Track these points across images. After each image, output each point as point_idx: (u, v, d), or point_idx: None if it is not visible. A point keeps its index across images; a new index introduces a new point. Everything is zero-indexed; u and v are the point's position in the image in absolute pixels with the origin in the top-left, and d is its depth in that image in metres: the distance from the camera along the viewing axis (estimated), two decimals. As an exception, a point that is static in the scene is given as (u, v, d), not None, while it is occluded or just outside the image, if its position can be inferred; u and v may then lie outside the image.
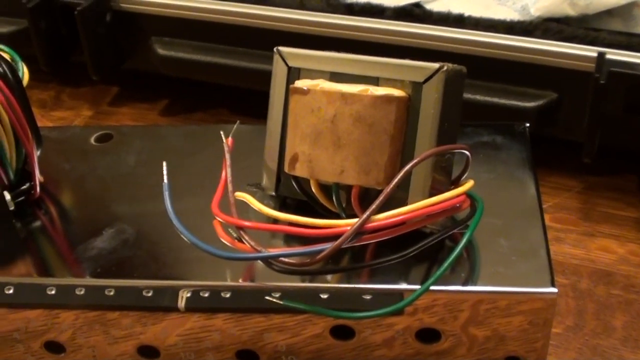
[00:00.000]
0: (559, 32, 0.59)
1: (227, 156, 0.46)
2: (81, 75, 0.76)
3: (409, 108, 0.44)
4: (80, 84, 0.79)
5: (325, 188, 0.46)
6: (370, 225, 0.41)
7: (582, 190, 0.63)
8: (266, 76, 0.65)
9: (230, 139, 0.47)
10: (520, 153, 0.53)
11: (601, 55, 0.57)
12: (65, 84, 0.79)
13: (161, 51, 0.70)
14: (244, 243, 0.43)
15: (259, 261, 0.45)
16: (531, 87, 0.60)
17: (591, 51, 0.58)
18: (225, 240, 0.44)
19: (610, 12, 0.65)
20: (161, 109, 0.75)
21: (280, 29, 0.65)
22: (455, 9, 0.64)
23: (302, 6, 0.65)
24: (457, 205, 0.44)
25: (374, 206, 0.41)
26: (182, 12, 0.68)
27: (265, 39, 0.65)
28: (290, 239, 0.47)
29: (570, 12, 0.66)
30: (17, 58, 0.52)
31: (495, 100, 0.61)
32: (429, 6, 0.66)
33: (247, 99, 0.69)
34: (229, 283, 0.45)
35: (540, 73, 0.59)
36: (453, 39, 0.60)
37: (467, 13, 0.62)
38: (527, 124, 0.55)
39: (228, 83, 0.70)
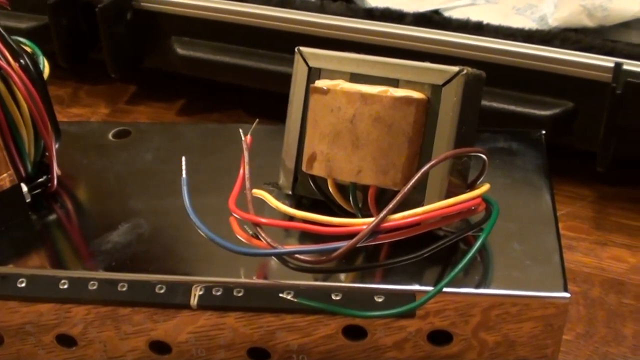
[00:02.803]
0: (577, 42, 0.60)
1: (246, 154, 0.46)
2: (99, 73, 0.77)
3: (427, 110, 0.44)
4: (97, 81, 0.80)
5: (341, 188, 0.47)
6: (386, 224, 0.42)
7: (596, 199, 0.63)
8: (285, 78, 0.65)
9: (249, 137, 0.47)
10: (536, 160, 0.53)
11: (618, 65, 0.57)
12: (82, 81, 0.80)
13: (181, 51, 0.70)
14: (259, 240, 0.44)
15: (273, 259, 0.45)
16: (548, 96, 0.61)
17: (608, 61, 0.58)
18: (241, 236, 0.45)
19: (627, 25, 0.65)
20: (178, 109, 0.76)
21: (299, 31, 0.65)
22: (474, 17, 0.64)
23: (322, 9, 0.65)
24: (473, 207, 0.44)
25: (390, 205, 0.41)
26: (203, 12, 0.68)
27: (285, 41, 0.66)
28: (305, 237, 0.47)
29: (588, 23, 0.67)
30: (39, 52, 0.52)
31: (512, 107, 0.61)
32: (448, 13, 0.66)
33: (263, 101, 0.69)
34: (242, 280, 0.45)
35: (557, 82, 0.60)
36: (472, 45, 0.61)
37: (486, 21, 0.63)
38: (543, 132, 0.55)
39: (246, 84, 0.70)
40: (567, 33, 0.62)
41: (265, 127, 0.52)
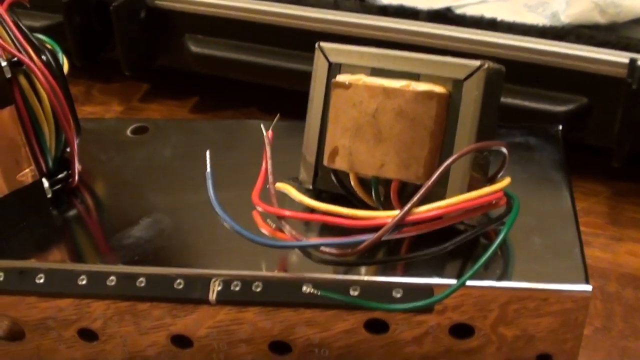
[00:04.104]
0: (591, 38, 0.60)
1: (268, 148, 0.46)
2: (112, 71, 0.77)
3: (449, 104, 0.45)
4: (110, 79, 0.80)
5: (363, 182, 0.47)
6: (410, 217, 0.42)
7: (610, 195, 0.63)
8: (299, 75, 0.66)
9: (270, 132, 0.47)
10: (554, 154, 0.53)
11: (633, 61, 0.57)
12: (95, 79, 0.80)
13: (194, 49, 0.71)
14: (283, 232, 0.44)
15: (294, 253, 0.46)
16: (562, 92, 0.61)
17: (623, 57, 0.58)
18: (264, 229, 0.45)
19: (639, 21, 0.66)
20: (191, 106, 0.76)
21: (313, 29, 0.66)
22: (487, 14, 0.64)
23: (336, 6, 0.65)
24: (494, 201, 0.44)
25: (415, 199, 0.42)
26: (216, 10, 0.69)
27: (298, 38, 0.66)
28: (325, 231, 0.47)
29: (600, 19, 0.67)
30: (58, 49, 0.52)
31: (526, 103, 0.61)
32: (460, 10, 0.66)
33: (276, 98, 0.69)
34: (261, 273, 0.46)
35: (572, 78, 0.60)
36: (486, 42, 0.61)
37: (499, 17, 0.63)
38: (560, 126, 0.55)
39: (260, 82, 0.70)
40: (581, 29, 0.62)
41: (281, 124, 0.52)
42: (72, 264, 0.48)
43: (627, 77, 0.57)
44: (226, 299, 0.46)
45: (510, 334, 0.45)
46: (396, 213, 0.42)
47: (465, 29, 0.62)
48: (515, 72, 0.60)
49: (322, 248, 0.43)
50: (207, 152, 0.47)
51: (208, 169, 0.46)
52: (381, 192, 0.46)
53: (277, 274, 0.46)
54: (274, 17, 0.67)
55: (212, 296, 0.46)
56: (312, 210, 0.46)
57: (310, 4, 0.66)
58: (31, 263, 0.48)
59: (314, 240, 0.43)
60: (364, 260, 0.45)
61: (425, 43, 0.62)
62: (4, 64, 0.47)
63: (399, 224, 0.42)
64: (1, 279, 0.47)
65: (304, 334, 0.46)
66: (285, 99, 0.63)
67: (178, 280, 0.46)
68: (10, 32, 0.48)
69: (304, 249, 0.44)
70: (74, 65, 0.73)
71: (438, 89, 0.44)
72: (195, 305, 0.46)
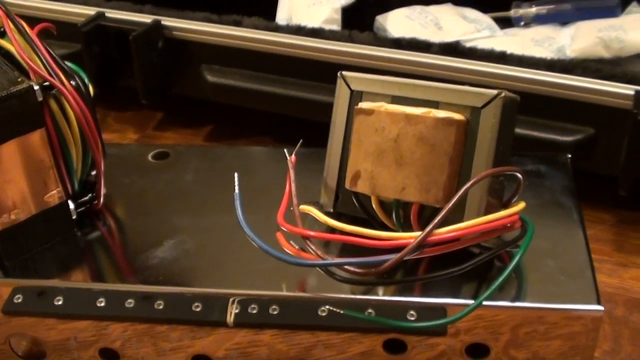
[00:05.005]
0: (598, 71, 0.62)
1: (292, 172, 0.48)
2: (126, 100, 0.79)
3: (467, 131, 0.46)
4: (125, 108, 0.81)
5: (383, 205, 0.48)
6: (431, 238, 0.43)
7: (616, 223, 0.65)
8: (313, 105, 0.68)
9: (294, 156, 0.49)
10: (563, 181, 0.55)
11: (639, 93, 0.59)
12: (110, 107, 0.81)
13: (211, 78, 0.72)
14: (307, 252, 0.45)
15: (310, 275, 0.47)
16: (570, 122, 0.62)
17: (629, 89, 0.60)
18: (288, 249, 0.46)
19: (642, 56, 0.68)
20: (205, 135, 0.77)
21: (327, 60, 0.67)
22: (496, 48, 0.66)
23: (350, 39, 0.67)
24: (509, 224, 0.46)
25: (436, 220, 0.43)
26: (232, 41, 0.70)
27: (313, 69, 0.68)
28: (345, 252, 0.48)
29: (605, 54, 0.69)
30: (84, 75, 0.53)
31: (535, 133, 0.63)
32: (471, 44, 0.68)
33: (289, 127, 0.71)
34: (278, 294, 0.47)
35: (580, 109, 0.61)
36: (498, 74, 0.62)
37: (509, 51, 0.65)
38: (569, 155, 0.57)
39: (275, 111, 0.72)
40: (588, 62, 0.64)
41: (302, 150, 0.54)
42: (90, 284, 0.49)
43: (632, 108, 0.58)
44: (244, 321, 0.47)
45: (521, 357, 0.46)
46: (417, 234, 0.43)
47: (477, 62, 0.63)
48: (526, 103, 0.61)
49: (347, 266, 0.44)
50: (236, 175, 0.48)
51: (236, 190, 0.47)
52: (400, 214, 0.48)
53: (293, 294, 0.47)
54: (289, 49, 0.68)
55: (230, 318, 0.47)
56: (333, 231, 0.47)
57: (325, 36, 0.68)
58: (50, 283, 0.49)
59: (339, 259, 0.45)
60: (383, 281, 0.47)
61: (439, 75, 0.63)
62: (36, 87, 0.48)
63: (421, 245, 0.43)
64: (20, 300, 0.48)
65: (321, 356, 0.48)
66: (298, 128, 0.64)
67: (196, 303, 0.47)
68: (42, 57, 0.49)
69: (326, 268, 0.45)
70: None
71: (457, 116, 0.46)
72: (213, 328, 0.47)
